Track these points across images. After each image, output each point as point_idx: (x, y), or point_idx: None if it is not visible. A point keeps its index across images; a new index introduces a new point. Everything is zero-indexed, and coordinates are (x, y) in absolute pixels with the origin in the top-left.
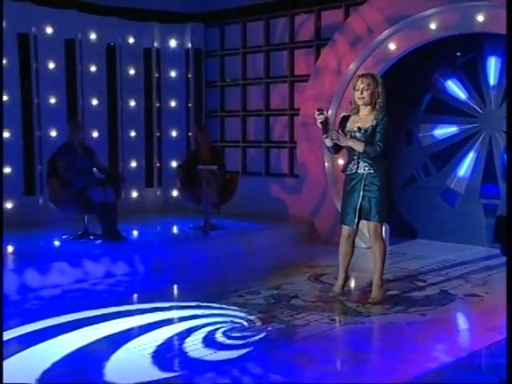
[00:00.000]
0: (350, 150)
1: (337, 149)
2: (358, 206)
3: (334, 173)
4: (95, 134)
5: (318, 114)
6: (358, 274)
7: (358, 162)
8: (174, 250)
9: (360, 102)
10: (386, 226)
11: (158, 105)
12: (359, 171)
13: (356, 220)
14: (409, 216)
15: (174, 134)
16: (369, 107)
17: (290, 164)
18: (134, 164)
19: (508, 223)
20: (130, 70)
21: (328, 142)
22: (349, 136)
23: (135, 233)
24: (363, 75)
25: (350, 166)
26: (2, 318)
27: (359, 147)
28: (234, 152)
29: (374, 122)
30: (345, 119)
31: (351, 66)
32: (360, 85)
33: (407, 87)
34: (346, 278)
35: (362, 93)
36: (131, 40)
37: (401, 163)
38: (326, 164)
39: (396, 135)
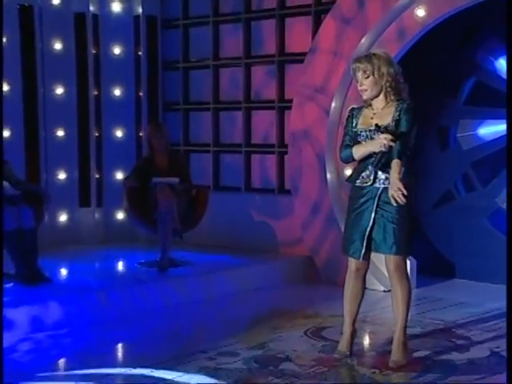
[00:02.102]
0: (364, 157)
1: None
2: (368, 232)
3: (339, 187)
4: (5, 134)
5: (388, 137)
6: (373, 328)
7: (376, 172)
8: (118, 294)
9: (364, 97)
10: (412, 261)
11: (95, 93)
12: (375, 185)
13: (363, 250)
14: (443, 247)
15: (118, 133)
16: (381, 97)
17: (280, 175)
18: (62, 175)
19: (508, 223)
20: (54, 44)
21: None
22: (363, 138)
23: (64, 272)
24: (356, 60)
25: (363, 175)
26: (1, 320)
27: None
28: (202, 159)
29: (397, 114)
30: (354, 114)
31: (363, 40)
32: (357, 74)
33: (440, 70)
34: (355, 332)
35: (361, 84)
36: (56, 0)
37: (432, 174)
38: (329, 175)
39: (425, 135)
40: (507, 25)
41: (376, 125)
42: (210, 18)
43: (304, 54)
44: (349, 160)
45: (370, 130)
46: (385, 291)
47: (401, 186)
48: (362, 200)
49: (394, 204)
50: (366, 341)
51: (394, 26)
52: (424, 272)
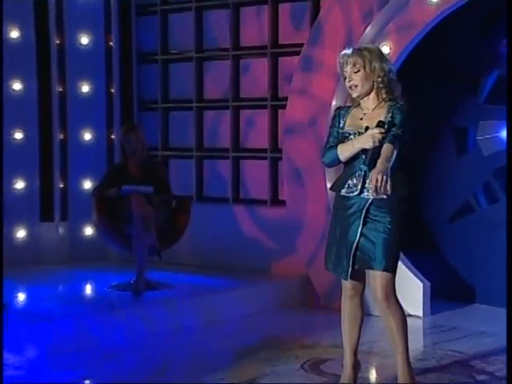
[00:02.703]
0: (351, 158)
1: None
2: (354, 249)
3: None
4: None
5: (379, 130)
6: (380, 360)
7: (364, 181)
8: (86, 323)
9: (354, 94)
10: (425, 284)
11: (60, 89)
12: (363, 195)
13: (350, 269)
14: (461, 267)
15: (86, 136)
16: (372, 96)
17: (273, 185)
18: (20, 185)
19: (508, 224)
20: (11, 32)
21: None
22: (351, 140)
23: (21, 297)
24: (345, 53)
25: (350, 183)
26: (1, 321)
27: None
28: (184, 166)
29: (389, 115)
30: (341, 114)
31: (368, 29)
32: (346, 68)
33: (457, 63)
34: (358, 365)
35: (350, 79)
36: None
37: (448, 183)
38: (329, 185)
39: (440, 138)
40: (507, 24)
41: (366, 127)
42: (192, 3)
43: (300, 46)
44: (333, 163)
45: (359, 133)
46: None
47: (383, 174)
48: (348, 212)
49: (373, 195)
50: (372, 375)
51: (403, 14)
52: (438, 296)
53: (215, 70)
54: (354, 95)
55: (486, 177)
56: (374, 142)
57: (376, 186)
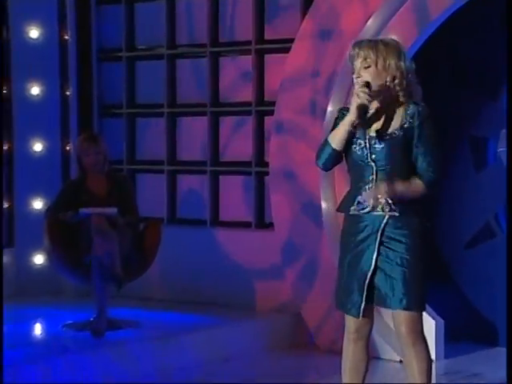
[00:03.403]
0: (357, 169)
1: (338, 157)
2: (368, 279)
3: (337, 219)
4: None
5: (362, 89)
6: None
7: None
8: (36, 369)
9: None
10: (438, 321)
11: (3, 91)
12: (376, 212)
13: (363, 305)
14: (481, 302)
15: (36, 147)
16: (385, 96)
17: (259, 204)
18: None
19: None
20: None
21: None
22: (359, 147)
23: None
24: (357, 44)
25: (359, 199)
26: (2, 320)
27: (415, 193)
28: (153, 182)
29: (406, 120)
30: (345, 116)
31: (370, 22)
32: (356, 61)
33: (475, 62)
34: None
35: (358, 75)
36: None
37: (465, 202)
38: (324, 204)
39: (455, 150)
40: (507, 25)
41: (377, 131)
42: None
43: (290, 41)
44: (329, 160)
45: (370, 138)
46: (402, 361)
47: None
48: (361, 236)
49: (386, 211)
50: None
51: (411, 2)
52: (455, 337)
53: (190, 69)
54: (361, 94)
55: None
56: (360, 99)
57: (370, 198)
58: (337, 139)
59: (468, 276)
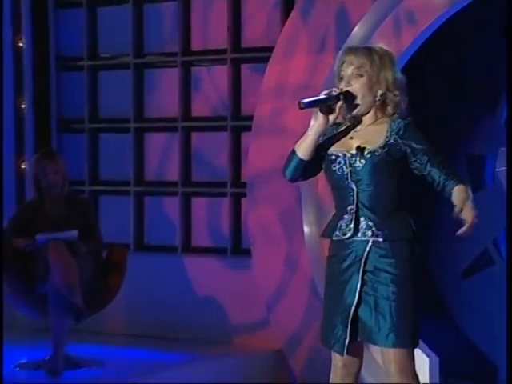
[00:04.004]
0: (338, 191)
1: (307, 168)
2: (352, 312)
3: (322, 245)
4: None
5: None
6: None
7: (358, 218)
8: None
9: (355, 110)
10: (433, 359)
11: None
12: (358, 237)
13: (347, 340)
14: (479, 336)
15: None
16: (371, 110)
17: (235, 229)
18: None
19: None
20: None
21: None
22: (338, 166)
23: None
24: (350, 50)
25: (342, 223)
26: (1, 322)
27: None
28: (119, 204)
29: (391, 136)
30: (327, 135)
31: (356, 29)
32: (346, 69)
33: (471, 73)
34: None
35: (348, 84)
36: None
37: (459, 226)
38: (306, 229)
39: None
40: (507, 25)
41: (358, 148)
42: None
43: (270, 50)
44: (296, 171)
45: (350, 156)
46: None
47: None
48: (345, 265)
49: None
50: None
51: (403, 6)
52: (451, 375)
53: (159, 80)
54: (354, 112)
55: (509, 218)
56: (328, 93)
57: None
58: (303, 148)
59: (465, 308)
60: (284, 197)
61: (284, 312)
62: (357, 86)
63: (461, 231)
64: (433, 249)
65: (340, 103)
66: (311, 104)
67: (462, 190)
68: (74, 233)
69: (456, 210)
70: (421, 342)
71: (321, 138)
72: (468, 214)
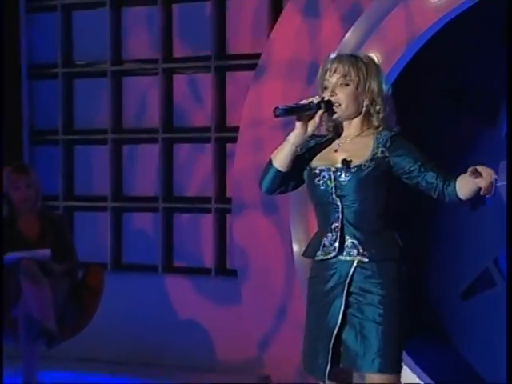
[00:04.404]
0: (321, 208)
1: (285, 180)
2: (334, 336)
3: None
4: None
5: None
6: None
7: (343, 236)
8: None
9: (335, 115)
10: None
11: None
12: (342, 256)
13: (329, 366)
14: (480, 363)
15: None
16: (356, 122)
17: (219, 247)
18: None
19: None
20: None
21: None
22: (322, 181)
23: None
24: (335, 58)
25: (325, 242)
26: (1, 323)
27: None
28: (95, 221)
29: (377, 149)
30: (310, 144)
31: (348, 36)
32: (330, 78)
33: (470, 83)
34: None
35: (332, 93)
36: None
37: (459, 245)
38: (295, 247)
39: None
40: (507, 25)
41: (344, 161)
42: None
43: (257, 57)
44: (273, 183)
45: (335, 170)
46: None
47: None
48: (328, 286)
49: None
50: None
51: (396, 14)
52: None
53: (139, 88)
54: (334, 116)
55: (509, 236)
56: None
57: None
58: (280, 158)
59: (465, 331)
60: (272, 212)
61: (269, 334)
62: (342, 96)
63: (481, 184)
64: (430, 268)
65: (321, 112)
66: (288, 111)
67: (463, 179)
68: (47, 251)
69: (470, 170)
70: (416, 367)
71: (299, 149)
72: (483, 170)
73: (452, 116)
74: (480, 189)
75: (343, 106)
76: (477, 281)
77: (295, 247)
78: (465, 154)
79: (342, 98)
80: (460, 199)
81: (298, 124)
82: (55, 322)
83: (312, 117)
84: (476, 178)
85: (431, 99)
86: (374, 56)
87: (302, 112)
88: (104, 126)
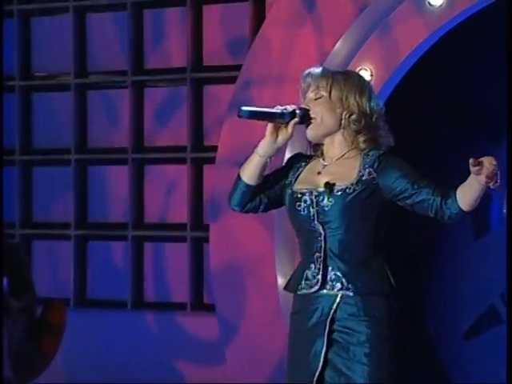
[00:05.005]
0: (303, 235)
1: (255, 195)
2: (316, 379)
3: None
4: None
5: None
6: None
7: (326, 268)
8: None
9: (310, 133)
10: None
11: None
12: (325, 290)
13: None
14: None
15: None
16: (339, 140)
17: (196, 280)
18: None
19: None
20: None
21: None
22: (304, 205)
23: None
24: (309, 73)
25: (308, 274)
26: (1, 322)
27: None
28: (56, 250)
29: (364, 171)
30: (293, 165)
31: (339, 45)
32: (306, 93)
33: (472, 98)
34: None
35: (309, 107)
36: None
37: (462, 278)
38: (281, 280)
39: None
40: (507, 25)
41: (327, 184)
42: (70, 2)
43: (237, 68)
44: (243, 199)
45: (317, 194)
46: None
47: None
48: (310, 323)
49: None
50: None
51: (390, 22)
52: None
53: (106, 103)
54: (310, 134)
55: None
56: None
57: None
58: (248, 171)
59: (468, 374)
60: (256, 240)
61: (251, 377)
62: (316, 109)
63: (483, 175)
64: (430, 304)
65: (294, 122)
66: (254, 114)
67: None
68: (4, 281)
69: (471, 161)
70: None
71: (269, 160)
72: (485, 159)
73: (452, 134)
74: (482, 194)
75: (318, 119)
76: (481, 318)
77: (280, 280)
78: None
79: (316, 111)
80: (463, 211)
81: (268, 132)
82: (11, 366)
83: (284, 126)
84: (479, 170)
85: (430, 116)
86: (364, 70)
87: (270, 118)
88: (67, 146)
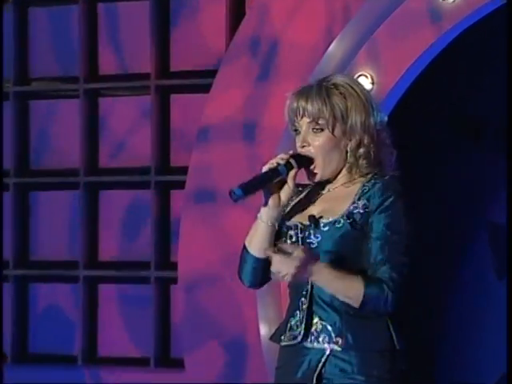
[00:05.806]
0: (293, 286)
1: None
2: None
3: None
4: None
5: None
6: None
7: (310, 316)
8: None
9: (313, 179)
10: None
11: None
12: (309, 343)
13: None
14: None
15: None
16: (343, 171)
17: (162, 330)
18: None
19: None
20: None
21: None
22: (289, 242)
23: None
24: (301, 94)
25: (292, 323)
26: (1, 320)
27: (349, 291)
28: None
29: (359, 203)
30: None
31: (333, 46)
32: (300, 121)
33: (487, 110)
34: None
35: (303, 143)
36: None
37: (482, 327)
38: (264, 329)
39: (465, 243)
40: (507, 25)
41: (312, 217)
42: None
43: (211, 75)
44: (255, 275)
45: (303, 228)
46: None
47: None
48: (295, 378)
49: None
50: None
51: (394, 19)
52: None
53: (52, 115)
54: (314, 179)
55: None
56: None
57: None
58: (254, 242)
59: None
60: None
61: None
62: (315, 145)
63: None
64: (445, 359)
65: (293, 173)
66: (249, 190)
67: (355, 278)
68: None
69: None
70: None
71: (277, 225)
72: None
73: (464, 152)
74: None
75: (319, 160)
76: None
77: (262, 329)
78: (485, 205)
79: (317, 151)
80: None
81: (270, 200)
82: None
83: (283, 182)
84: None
85: (438, 129)
86: (364, 77)
87: (267, 183)
88: (5, 166)
